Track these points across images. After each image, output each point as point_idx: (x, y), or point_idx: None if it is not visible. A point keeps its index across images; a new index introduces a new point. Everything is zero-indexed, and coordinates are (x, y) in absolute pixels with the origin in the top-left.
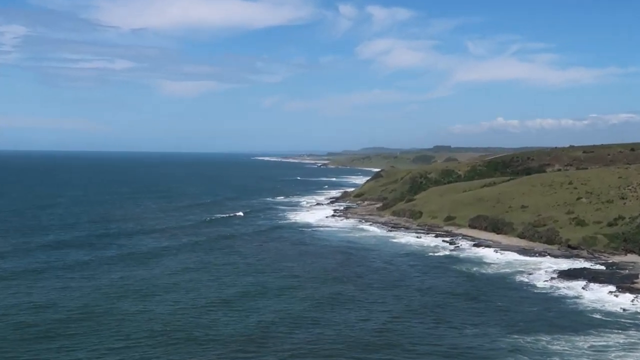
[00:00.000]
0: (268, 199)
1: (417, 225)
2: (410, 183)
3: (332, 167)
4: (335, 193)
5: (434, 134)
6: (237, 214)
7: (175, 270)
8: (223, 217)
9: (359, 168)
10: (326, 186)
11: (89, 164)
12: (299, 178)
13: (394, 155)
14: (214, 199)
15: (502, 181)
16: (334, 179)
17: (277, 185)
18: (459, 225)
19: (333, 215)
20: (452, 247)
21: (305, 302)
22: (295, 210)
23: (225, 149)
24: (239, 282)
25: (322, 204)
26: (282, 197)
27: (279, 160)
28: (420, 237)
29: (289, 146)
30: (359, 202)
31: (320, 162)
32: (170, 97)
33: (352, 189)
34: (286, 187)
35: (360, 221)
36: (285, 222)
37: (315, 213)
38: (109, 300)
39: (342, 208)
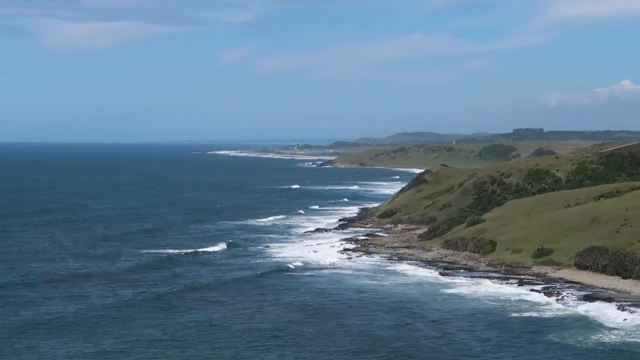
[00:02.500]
0: (242, 221)
1: (488, 265)
2: (475, 193)
3: (341, 166)
4: (348, 211)
5: (514, 110)
6: (187, 251)
7: None
8: (160, 256)
9: (388, 167)
10: (332, 200)
11: None
12: (292, 187)
13: (446, 145)
14: (150, 223)
15: (631, 188)
16: (345, 188)
17: (253, 200)
18: (559, 264)
19: (345, 250)
20: (548, 301)
21: None
22: (285, 240)
23: (164, 139)
24: None
25: (327, 231)
26: (263, 219)
27: (255, 155)
28: (495, 285)
29: (270, 133)
30: (389, 225)
31: (321, 159)
32: (63, 49)
33: (376, 204)
34: (266, 203)
35: (390, 258)
36: (266, 261)
37: (316, 245)
38: None
39: (360, 236)
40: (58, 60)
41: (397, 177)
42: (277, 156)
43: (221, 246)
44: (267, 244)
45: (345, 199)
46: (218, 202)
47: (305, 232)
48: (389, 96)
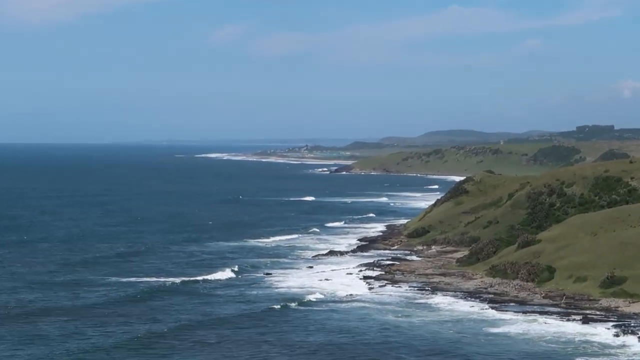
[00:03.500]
0: (238, 242)
1: (545, 297)
2: (528, 207)
3: (360, 172)
4: (370, 229)
5: (577, 102)
6: (169, 280)
7: None
8: (136, 286)
9: (420, 174)
10: (356, 216)
11: None
12: (304, 199)
13: (492, 147)
14: (124, 244)
15: None
16: (369, 200)
17: (253, 215)
18: (634, 296)
19: (366, 278)
20: (621, 342)
21: None
22: (290, 266)
23: (140, 138)
24: None
25: (344, 254)
26: (265, 240)
27: (254, 159)
28: (553, 323)
29: (271, 132)
30: (420, 247)
31: (336, 164)
32: (19, 24)
33: (405, 220)
34: (270, 220)
35: (422, 288)
36: (267, 292)
37: (329, 272)
38: None
39: (384, 261)
40: (14, 37)
41: (436, 186)
42: (280, 160)
43: (211, 274)
44: (268, 271)
45: (372, 214)
46: (209, 218)
47: (316, 256)
48: (420, 85)
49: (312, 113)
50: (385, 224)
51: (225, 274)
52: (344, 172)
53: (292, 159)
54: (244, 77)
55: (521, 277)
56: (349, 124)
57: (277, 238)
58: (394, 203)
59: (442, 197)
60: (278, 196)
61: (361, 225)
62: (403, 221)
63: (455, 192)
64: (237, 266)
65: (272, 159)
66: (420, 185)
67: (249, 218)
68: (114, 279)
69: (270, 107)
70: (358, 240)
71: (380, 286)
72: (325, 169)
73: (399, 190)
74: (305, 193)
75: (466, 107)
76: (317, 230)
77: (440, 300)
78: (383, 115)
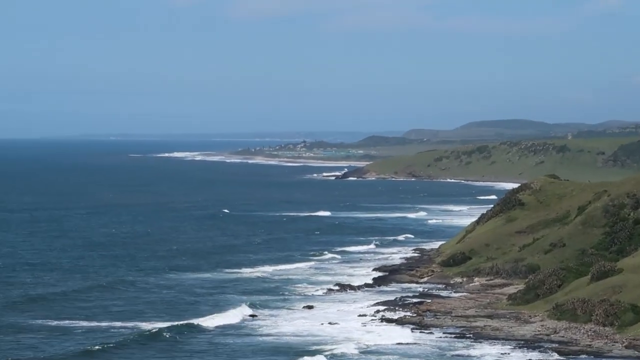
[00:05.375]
0: (214, 273)
1: (628, 347)
2: (605, 224)
3: (378, 177)
4: (391, 254)
5: None
6: (118, 325)
7: None
8: (70, 333)
9: (454, 180)
10: (378, 237)
11: None
12: (316, 214)
13: (556, 142)
14: (57, 279)
15: None
16: (403, 216)
17: (239, 237)
18: None
19: (385, 321)
20: None
21: None
22: (284, 305)
23: (80, 131)
24: None
25: (356, 288)
26: (251, 270)
27: (237, 160)
28: None
29: (257, 123)
30: (458, 279)
31: (344, 165)
32: None
33: (440, 242)
34: (262, 243)
35: (462, 335)
36: (251, 342)
37: (336, 313)
38: None
39: (410, 298)
40: None
41: (493, 197)
42: (270, 161)
43: (179, 318)
44: (254, 312)
45: (408, 235)
46: (178, 240)
47: (319, 292)
48: (457, 61)
49: (311, 98)
50: (412, 247)
51: (194, 316)
52: (354, 178)
53: (285, 159)
54: (218, 49)
55: (596, 320)
56: (362, 113)
57: (274, 267)
58: (434, 220)
59: (488, 211)
60: (276, 210)
61: (387, 249)
62: (436, 244)
63: (506, 204)
64: (209, 306)
65: (259, 160)
66: (465, 195)
67: (236, 240)
68: (37, 321)
69: (255, 91)
70: (374, 270)
71: (406, 330)
72: (333, 173)
73: (436, 202)
74: (314, 206)
75: (520, 89)
76: (337, 256)
77: (486, 351)
78: (408, 101)
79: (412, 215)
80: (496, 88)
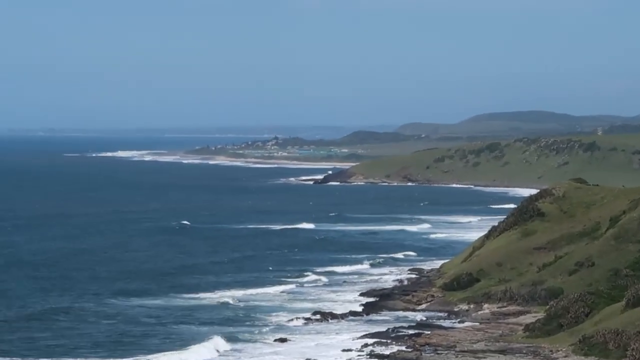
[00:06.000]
0: (166, 298)
1: None
2: None
3: (366, 181)
4: (382, 275)
5: None
6: None
7: None
8: None
9: (463, 185)
10: (358, 252)
11: None
12: (297, 226)
13: (583, 139)
14: None
15: None
16: (400, 228)
17: (201, 254)
18: None
19: (373, 355)
20: None
21: None
22: (251, 338)
23: (4, 124)
24: None
25: (339, 317)
26: (213, 294)
27: (196, 161)
28: None
29: (217, 116)
30: (464, 305)
31: (326, 166)
32: None
33: (442, 261)
34: (234, 262)
35: None
36: None
37: (314, 348)
38: None
39: (405, 329)
40: None
41: (511, 205)
42: (235, 161)
43: (118, 353)
44: (215, 347)
45: (411, 253)
46: (121, 259)
47: (296, 321)
48: (461, 39)
49: (284, 85)
50: (409, 266)
51: (137, 351)
52: (337, 182)
53: (254, 159)
54: (167, 27)
55: (632, 356)
56: (346, 104)
57: (242, 292)
58: (437, 234)
59: (500, 222)
60: (245, 222)
61: (380, 269)
62: (437, 263)
63: (522, 214)
64: (162, 339)
65: (222, 160)
66: (473, 204)
67: (196, 259)
68: None
69: (213, 76)
70: (361, 294)
71: None
72: (312, 177)
73: (439, 212)
74: (291, 217)
75: (540, 74)
76: (320, 278)
77: None
78: (402, 89)
79: (412, 228)
80: (510, 73)
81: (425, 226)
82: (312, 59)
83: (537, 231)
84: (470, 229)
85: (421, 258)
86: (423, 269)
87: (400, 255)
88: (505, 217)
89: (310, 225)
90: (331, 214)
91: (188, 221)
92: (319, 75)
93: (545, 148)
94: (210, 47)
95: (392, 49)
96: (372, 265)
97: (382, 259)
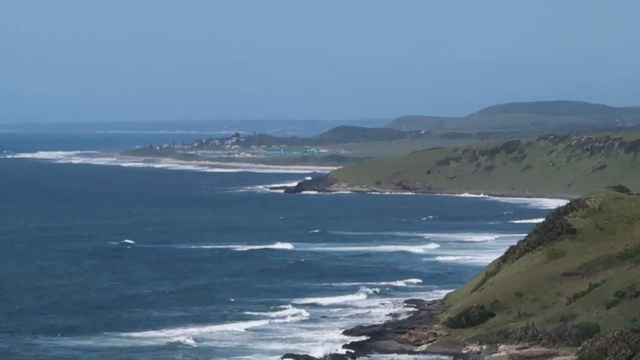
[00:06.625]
0: (111, 337)
1: None
2: None
3: (351, 190)
4: (372, 309)
5: None
6: None
7: None
8: None
9: (473, 195)
10: (350, 279)
11: None
12: (271, 247)
13: (624, 135)
14: None
15: None
16: (403, 249)
17: (145, 283)
18: None
19: None
20: None
21: None
22: None
23: None
24: None
25: None
26: (163, 332)
27: (136, 164)
28: None
29: (162, 109)
30: (475, 345)
31: (301, 171)
32: None
33: (447, 291)
34: (190, 291)
35: None
36: None
37: None
38: None
39: None
40: None
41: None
42: (187, 165)
43: None
44: None
45: (414, 280)
46: (45, 288)
47: None
48: (466, 13)
49: (246, 70)
50: (406, 297)
51: None
52: (314, 191)
53: (209, 162)
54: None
55: None
56: (325, 92)
57: (195, 330)
58: (446, 256)
59: (520, 242)
60: (203, 241)
61: (373, 300)
62: (441, 293)
63: (547, 231)
64: None
65: (169, 163)
66: (486, 218)
67: (140, 288)
68: None
69: (157, 61)
70: (345, 333)
71: None
72: (283, 184)
73: (446, 228)
74: (262, 235)
75: (569, 57)
76: (298, 312)
77: None
78: (396, 74)
79: (415, 249)
80: (532, 55)
81: (431, 246)
82: (281, 36)
83: (567, 252)
84: (484, 249)
85: (427, 286)
86: (423, 301)
87: (400, 283)
88: (526, 234)
89: (287, 246)
90: (314, 231)
91: (131, 240)
92: (290, 57)
93: (577, 147)
94: (150, 19)
95: (383, 23)
96: (369, 296)
97: (378, 288)
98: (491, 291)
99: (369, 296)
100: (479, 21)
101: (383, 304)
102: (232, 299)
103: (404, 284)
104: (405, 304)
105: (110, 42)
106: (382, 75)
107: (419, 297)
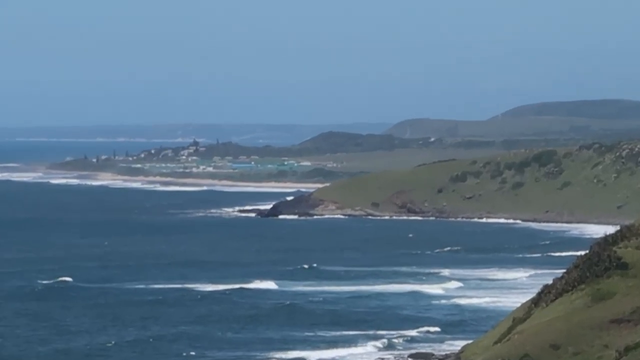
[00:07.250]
0: None
1: None
2: None
3: (341, 213)
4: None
5: None
6: None
7: None
8: None
9: (498, 219)
10: (349, 327)
11: None
12: (253, 286)
13: None
14: None
15: None
16: (414, 290)
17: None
18: None
19: None
20: None
21: None
22: None
23: None
24: None
25: None
26: None
27: (70, 181)
28: None
29: (99, 108)
30: None
31: (277, 189)
32: None
33: (463, 342)
34: (139, 343)
35: None
36: None
37: None
38: None
39: None
40: None
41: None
42: (132, 182)
43: None
44: None
45: (434, 329)
46: None
47: None
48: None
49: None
50: (411, 350)
51: None
52: (294, 215)
53: (159, 178)
54: None
55: None
56: (307, 90)
57: None
58: (474, 299)
59: (556, 279)
60: (157, 280)
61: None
62: (455, 345)
63: (592, 266)
64: None
65: (110, 180)
66: (515, 250)
67: (76, 341)
68: None
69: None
70: None
71: None
72: (256, 206)
73: (470, 262)
74: (237, 271)
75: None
76: None
77: None
78: (398, 68)
79: (431, 289)
80: (568, 46)
81: (452, 285)
82: (250, 23)
83: (617, 293)
84: (514, 289)
85: (438, 336)
86: (433, 355)
87: (413, 333)
88: (564, 270)
89: (268, 285)
90: (302, 267)
91: (65, 277)
92: (261, 48)
93: (629, 159)
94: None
95: (384, 5)
96: (380, 349)
97: (381, 339)
98: (520, 343)
99: (381, 349)
100: (502, 5)
101: (382, 358)
102: (192, 353)
103: (416, 333)
104: (409, 359)
105: (31, 25)
106: (382, 68)
107: (428, 350)
